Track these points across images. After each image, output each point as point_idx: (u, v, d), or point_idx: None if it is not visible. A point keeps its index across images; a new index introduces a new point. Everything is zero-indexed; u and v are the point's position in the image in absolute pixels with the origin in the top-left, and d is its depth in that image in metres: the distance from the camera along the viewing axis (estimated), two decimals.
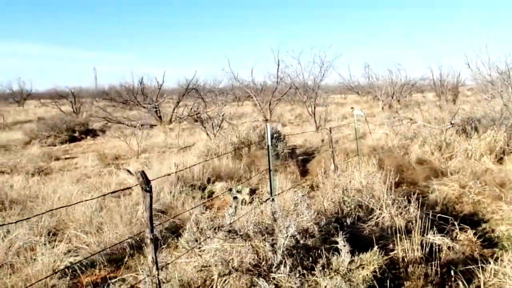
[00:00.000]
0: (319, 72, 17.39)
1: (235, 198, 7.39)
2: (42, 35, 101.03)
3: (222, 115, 12.35)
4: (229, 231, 3.66)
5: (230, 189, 7.46)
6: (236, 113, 27.33)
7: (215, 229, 3.70)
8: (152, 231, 2.87)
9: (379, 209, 5.05)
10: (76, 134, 20.06)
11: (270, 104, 20.75)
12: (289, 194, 6.43)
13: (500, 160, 8.85)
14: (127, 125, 21.06)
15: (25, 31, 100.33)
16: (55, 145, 18.81)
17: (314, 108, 17.06)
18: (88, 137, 20.03)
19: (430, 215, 5.22)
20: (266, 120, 20.95)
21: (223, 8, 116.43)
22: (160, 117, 22.61)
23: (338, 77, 28.37)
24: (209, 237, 3.79)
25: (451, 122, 10.45)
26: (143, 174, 2.87)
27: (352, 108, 24.22)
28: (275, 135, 10.00)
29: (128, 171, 8.64)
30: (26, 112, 35.88)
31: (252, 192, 7.57)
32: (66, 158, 14.05)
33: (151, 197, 2.89)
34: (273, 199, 5.02)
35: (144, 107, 22.89)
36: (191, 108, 21.98)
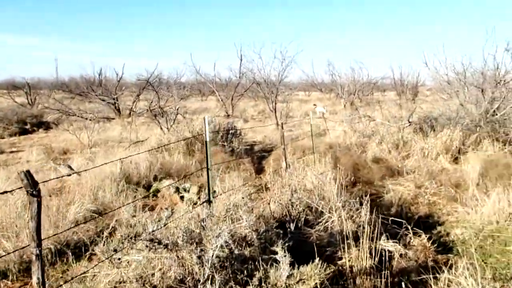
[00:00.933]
0: (281, 67, 16.94)
1: (182, 197, 6.82)
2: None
3: (177, 109, 11.69)
4: (151, 240, 3.10)
5: (177, 188, 6.87)
6: (199, 108, 26.62)
7: (134, 237, 3.12)
8: (39, 245, 2.27)
9: (329, 212, 4.59)
10: (28, 127, 18.87)
11: (232, 99, 20.17)
12: (237, 195, 5.95)
13: (455, 160, 8.63)
14: (82, 117, 20.03)
15: None
16: (3, 138, 17.61)
17: (275, 104, 16.60)
18: (41, 130, 18.90)
19: (384, 218, 4.83)
20: (228, 115, 20.37)
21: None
22: (118, 110, 21.63)
23: (302, 74, 28.06)
24: (129, 247, 3.22)
25: (409, 120, 10.21)
26: (28, 174, 2.27)
27: (314, 105, 23.98)
28: (230, 131, 9.46)
29: (69, 166, 7.91)
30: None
31: (201, 190, 7.02)
32: (11, 152, 13.02)
33: (39, 203, 2.30)
34: (210, 201, 4.47)
35: (103, 100, 21.87)
36: (151, 102, 21.14)
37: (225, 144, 9.07)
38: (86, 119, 19.54)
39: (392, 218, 4.94)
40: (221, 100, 21.39)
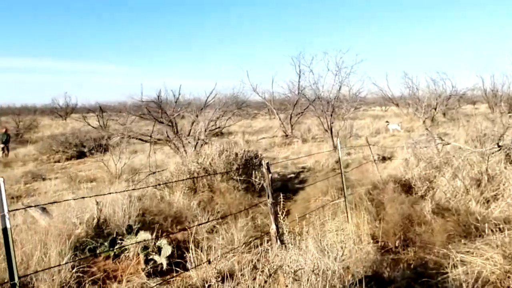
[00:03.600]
0: (336, 80, 14.36)
1: (149, 261, 4.81)
2: (88, 52, 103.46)
3: (200, 133, 9.84)
4: None
5: (145, 248, 4.87)
6: (264, 127, 24.76)
7: None
8: None
9: None
10: (86, 150, 18.37)
11: (291, 118, 17.95)
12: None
13: None
14: (142, 140, 19.15)
15: (73, 49, 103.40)
16: (59, 161, 17.17)
17: (331, 122, 14.05)
18: (98, 153, 18.27)
19: None
20: (286, 135, 18.16)
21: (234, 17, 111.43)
22: (176, 132, 20.48)
23: (376, 88, 24.86)
24: None
25: (498, 143, 7.24)
26: None
27: (387, 122, 20.84)
28: (251, 161, 7.31)
29: (43, 208, 6.31)
30: (66, 125, 35.34)
31: (180, 250, 4.96)
32: (43, 179, 12.12)
33: None
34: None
35: (162, 122, 20.93)
36: (208, 123, 19.71)
37: (243, 178, 6.93)
38: (145, 141, 18.64)
39: None
40: (280, 119, 19.23)
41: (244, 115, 30.71)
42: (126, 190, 6.12)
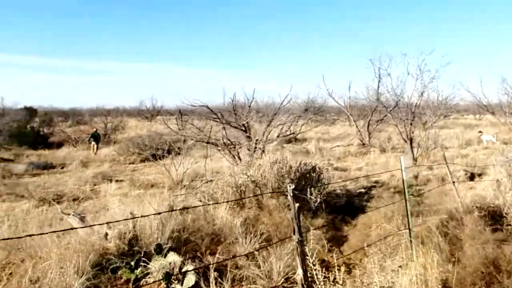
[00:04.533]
0: (417, 84, 12.76)
1: None
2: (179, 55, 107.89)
3: (257, 140, 9.15)
4: None
5: (168, 275, 4.26)
6: (342, 134, 23.46)
7: None
8: None
9: None
10: (159, 153, 18.63)
11: (368, 126, 16.60)
12: None
13: None
14: (214, 144, 19.04)
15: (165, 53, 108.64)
16: (133, 163, 17.57)
17: (412, 133, 12.55)
18: (171, 156, 18.47)
19: None
20: (363, 144, 16.82)
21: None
22: (249, 137, 20.09)
23: (469, 95, 22.28)
24: None
25: None
26: None
27: (480, 132, 18.51)
28: (308, 175, 6.45)
29: (82, 217, 6.04)
30: (151, 127, 36.82)
31: (207, 280, 4.28)
32: (116, 181, 12.25)
33: None
34: None
35: (235, 127, 20.69)
36: (281, 128, 19.04)
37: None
38: (217, 146, 18.49)
39: None
40: (356, 126, 17.91)
41: (322, 121, 29.54)
42: (163, 211, 5.60)
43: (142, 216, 4.96)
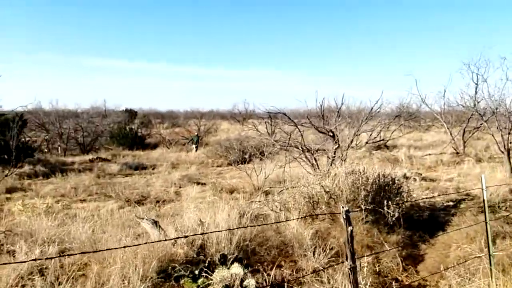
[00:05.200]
0: None
1: None
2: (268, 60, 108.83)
3: (342, 147, 8.66)
4: None
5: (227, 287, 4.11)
6: (436, 141, 21.70)
7: None
8: None
9: None
10: (246, 156, 18.82)
11: (464, 134, 15.05)
12: None
13: None
14: (297, 148, 18.77)
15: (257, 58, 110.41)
16: (220, 166, 17.94)
17: (510, 143, 11.02)
18: (257, 160, 18.57)
19: None
20: (457, 153, 15.27)
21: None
22: (336, 142, 19.47)
23: None
24: None
25: None
26: None
27: None
28: (388, 187, 5.91)
29: (155, 221, 6.18)
30: (242, 130, 37.52)
31: None
32: (201, 184, 12.54)
33: None
34: None
35: (323, 132, 20.19)
36: (371, 134, 18.14)
37: (371, 207, 5.60)
38: (303, 151, 18.21)
39: None
40: (450, 133, 16.34)
41: (416, 127, 27.66)
42: (233, 228, 5.49)
43: (211, 232, 4.89)
